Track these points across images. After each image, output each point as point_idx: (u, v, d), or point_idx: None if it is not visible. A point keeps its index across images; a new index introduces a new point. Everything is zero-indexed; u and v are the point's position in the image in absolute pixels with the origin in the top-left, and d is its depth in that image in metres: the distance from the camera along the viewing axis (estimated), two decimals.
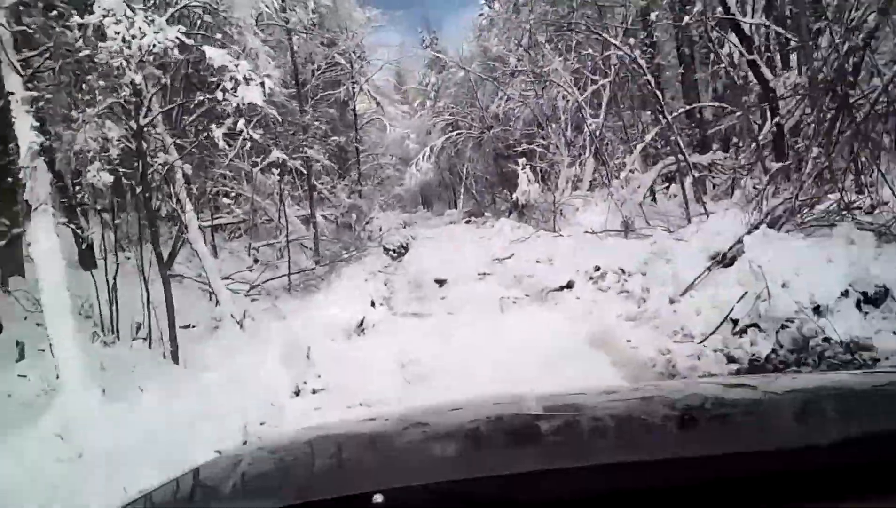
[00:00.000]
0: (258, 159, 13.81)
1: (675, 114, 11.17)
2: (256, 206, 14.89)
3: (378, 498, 0.83)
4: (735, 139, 13.96)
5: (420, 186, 34.63)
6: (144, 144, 6.74)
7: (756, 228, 5.76)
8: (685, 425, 1.25)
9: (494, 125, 25.39)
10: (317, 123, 14.24)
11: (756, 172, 10.31)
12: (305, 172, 16.05)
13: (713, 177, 13.46)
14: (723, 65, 14.11)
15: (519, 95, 20.93)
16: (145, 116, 6.82)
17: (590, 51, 14.37)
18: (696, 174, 10.94)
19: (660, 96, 10.86)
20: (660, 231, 7.52)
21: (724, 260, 5.57)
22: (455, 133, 29.20)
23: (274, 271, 12.59)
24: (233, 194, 16.24)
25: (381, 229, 19.23)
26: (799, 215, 6.21)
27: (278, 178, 14.68)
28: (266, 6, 10.11)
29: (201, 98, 6.62)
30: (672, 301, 5.60)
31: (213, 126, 6.97)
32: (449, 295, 8.95)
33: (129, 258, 7.62)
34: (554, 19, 16.73)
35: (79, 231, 7.52)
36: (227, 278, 9.82)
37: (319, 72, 20.61)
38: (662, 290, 5.88)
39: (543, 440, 1.23)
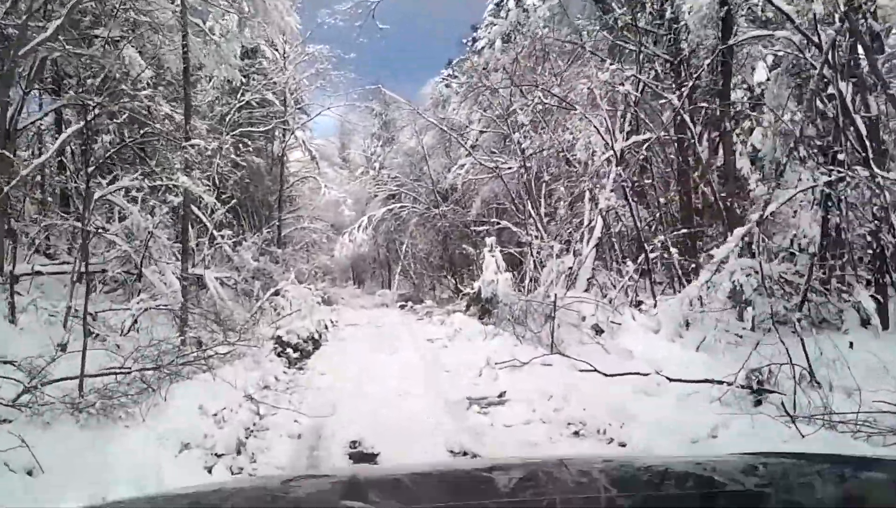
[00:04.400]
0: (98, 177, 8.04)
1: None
2: (115, 252, 8.89)
3: None
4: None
5: (352, 259, 28.68)
6: None
7: None
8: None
9: (447, 199, 20.06)
10: (202, 144, 8.11)
11: None
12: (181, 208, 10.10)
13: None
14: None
15: (490, 161, 15.55)
16: None
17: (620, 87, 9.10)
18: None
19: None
20: None
21: None
22: (398, 205, 23.70)
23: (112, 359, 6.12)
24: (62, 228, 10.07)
25: (291, 305, 12.77)
26: None
27: (150, 214, 8.82)
28: None
29: None
30: None
31: None
32: None
33: None
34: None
35: None
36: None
37: (238, 103, 14.90)
38: None
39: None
